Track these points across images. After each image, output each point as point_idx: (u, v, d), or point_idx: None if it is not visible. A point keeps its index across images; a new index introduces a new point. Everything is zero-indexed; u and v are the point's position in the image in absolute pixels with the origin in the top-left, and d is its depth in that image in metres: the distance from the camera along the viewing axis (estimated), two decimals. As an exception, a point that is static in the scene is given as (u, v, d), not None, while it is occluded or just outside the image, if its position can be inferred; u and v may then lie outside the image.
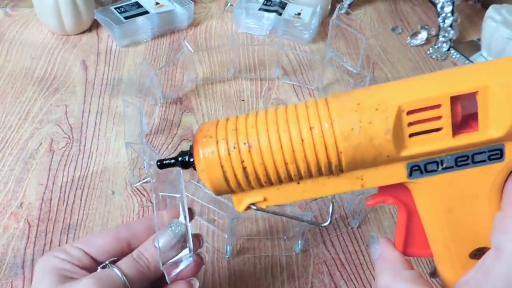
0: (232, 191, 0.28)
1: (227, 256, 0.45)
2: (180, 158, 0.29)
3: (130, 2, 0.75)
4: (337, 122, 0.25)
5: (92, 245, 0.32)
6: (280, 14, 0.76)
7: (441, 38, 0.77)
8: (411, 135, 0.25)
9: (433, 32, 0.80)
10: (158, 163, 0.30)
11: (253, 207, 0.29)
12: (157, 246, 0.31)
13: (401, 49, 0.78)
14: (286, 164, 0.26)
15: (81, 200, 0.49)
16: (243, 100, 0.64)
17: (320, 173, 0.27)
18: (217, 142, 0.26)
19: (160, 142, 0.57)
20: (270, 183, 0.27)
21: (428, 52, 0.77)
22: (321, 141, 0.25)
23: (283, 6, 0.78)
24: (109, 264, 0.30)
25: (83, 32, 0.75)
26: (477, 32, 0.81)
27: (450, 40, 0.76)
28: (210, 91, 0.65)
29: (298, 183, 0.28)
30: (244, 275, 0.44)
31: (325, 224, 0.31)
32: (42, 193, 0.50)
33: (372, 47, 0.76)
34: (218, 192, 0.28)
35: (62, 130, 0.57)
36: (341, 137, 0.25)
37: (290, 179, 0.27)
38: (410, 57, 0.76)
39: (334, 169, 0.26)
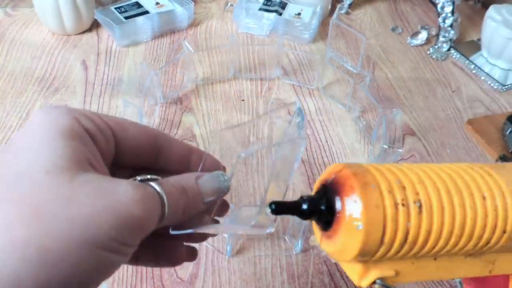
0: (367, 261, 0.23)
1: (227, 256, 0.45)
2: (306, 205, 0.22)
3: (130, 2, 0.75)
4: (508, 193, 0.23)
5: (126, 132, 0.23)
6: (280, 14, 0.76)
7: (441, 38, 0.77)
8: None
9: (433, 32, 0.80)
10: (274, 207, 0.22)
11: (378, 282, 0.23)
12: (201, 188, 0.24)
13: (401, 49, 0.78)
14: (451, 233, 0.22)
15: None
16: (243, 100, 0.64)
17: (466, 251, 0.24)
18: (381, 194, 0.21)
19: (160, 142, 0.57)
20: (413, 255, 0.23)
21: (428, 52, 0.77)
22: (494, 214, 0.22)
23: (283, 6, 0.78)
24: (154, 183, 0.21)
25: (83, 32, 0.75)
26: (477, 32, 0.81)
27: (450, 40, 0.76)
28: (210, 91, 0.65)
29: (435, 259, 0.24)
30: (244, 275, 0.44)
31: None
32: (42, 193, 0.50)
33: (372, 47, 0.76)
34: (354, 259, 0.22)
35: (62, 130, 0.57)
36: None
37: (435, 254, 0.23)
38: (410, 57, 0.76)
39: (485, 249, 0.24)
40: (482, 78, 0.72)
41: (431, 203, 0.21)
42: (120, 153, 0.23)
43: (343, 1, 0.85)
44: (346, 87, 0.67)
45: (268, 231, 0.24)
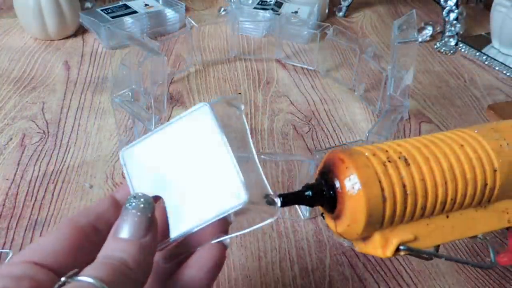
0: (381, 225, 0.23)
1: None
2: (309, 191, 0.24)
3: (118, 4, 0.71)
4: (484, 140, 0.25)
5: (43, 250, 0.21)
6: (277, 13, 0.73)
7: (447, 33, 0.72)
8: None
9: (438, 29, 0.76)
10: (281, 199, 0.23)
11: (403, 248, 0.23)
12: (124, 237, 0.21)
13: (406, 45, 0.73)
14: (445, 182, 0.23)
15: (52, 194, 0.42)
16: (240, 93, 0.58)
17: (471, 201, 0.25)
18: (367, 157, 0.23)
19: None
20: (422, 212, 0.24)
21: (435, 46, 0.72)
22: (476, 155, 0.24)
23: (278, 5, 0.75)
24: (70, 279, 0.19)
25: (68, 37, 0.70)
26: (483, 28, 0.78)
27: (456, 34, 0.72)
28: (203, 85, 0.60)
29: (447, 216, 0.25)
30: (247, 271, 0.36)
31: (489, 266, 0.27)
32: (7, 188, 0.42)
33: (372, 48, 0.71)
34: (367, 226, 0.22)
35: (37, 126, 0.51)
36: (494, 153, 0.24)
37: (442, 207, 0.24)
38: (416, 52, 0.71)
39: (487, 193, 0.25)
40: (496, 68, 0.67)
41: (414, 156, 0.23)
42: (56, 263, 0.21)
43: (340, 4, 0.82)
44: (349, 67, 0.62)
45: (276, 217, 0.23)
